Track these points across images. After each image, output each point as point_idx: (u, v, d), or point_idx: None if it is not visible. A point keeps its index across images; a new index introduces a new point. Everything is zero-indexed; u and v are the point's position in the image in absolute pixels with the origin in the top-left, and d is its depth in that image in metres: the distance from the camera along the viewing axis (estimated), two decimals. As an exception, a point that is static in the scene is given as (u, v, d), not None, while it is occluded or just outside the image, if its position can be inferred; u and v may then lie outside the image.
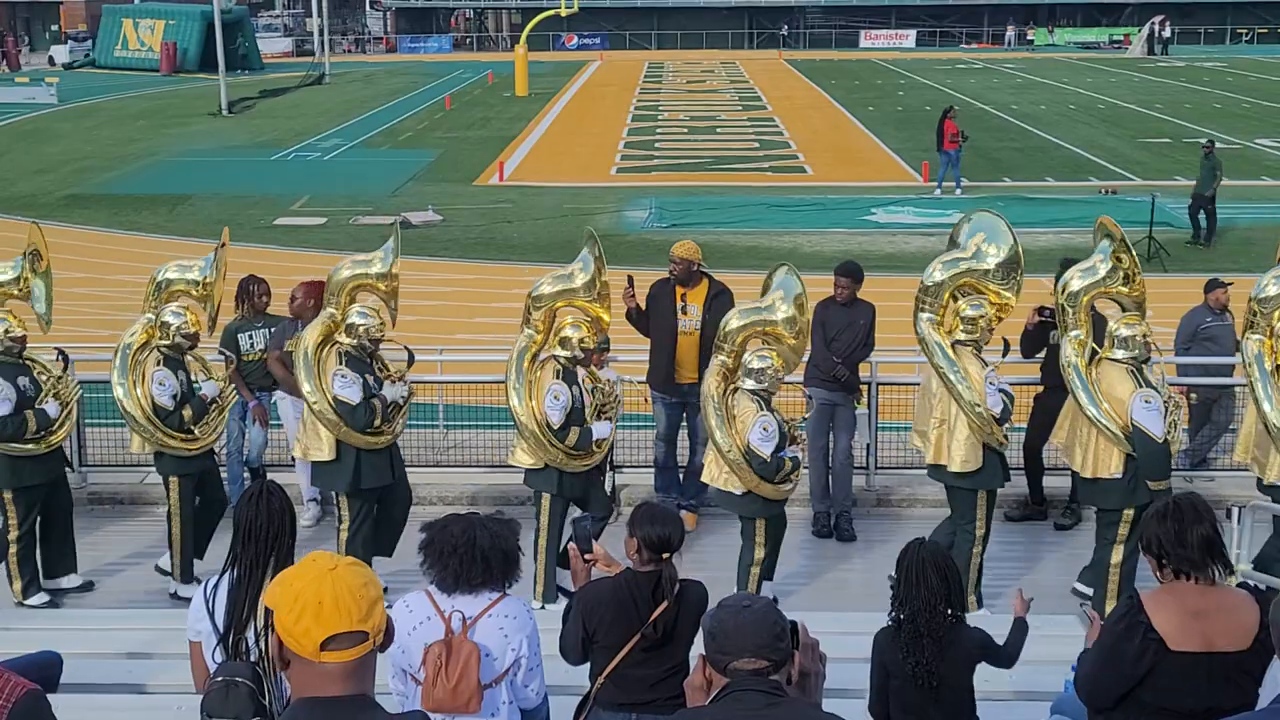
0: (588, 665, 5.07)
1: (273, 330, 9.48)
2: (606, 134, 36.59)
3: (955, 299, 7.81)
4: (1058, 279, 9.25)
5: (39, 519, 8.23)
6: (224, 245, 8.63)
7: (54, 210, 25.35)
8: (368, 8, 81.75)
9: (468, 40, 78.08)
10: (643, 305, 9.32)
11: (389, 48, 75.08)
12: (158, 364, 8.09)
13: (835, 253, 18.11)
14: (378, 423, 7.91)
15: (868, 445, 9.76)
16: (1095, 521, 7.88)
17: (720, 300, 9.22)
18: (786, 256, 20.46)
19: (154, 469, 8.60)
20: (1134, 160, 30.38)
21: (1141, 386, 7.45)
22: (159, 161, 32.30)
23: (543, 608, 7.79)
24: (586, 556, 5.04)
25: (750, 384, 7.59)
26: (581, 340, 7.92)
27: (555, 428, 7.79)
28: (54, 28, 70.89)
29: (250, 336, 9.61)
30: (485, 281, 18.76)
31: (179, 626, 4.81)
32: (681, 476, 9.64)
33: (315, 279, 9.82)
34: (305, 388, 7.89)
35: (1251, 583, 4.96)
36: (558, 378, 7.84)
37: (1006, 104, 42.65)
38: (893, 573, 4.99)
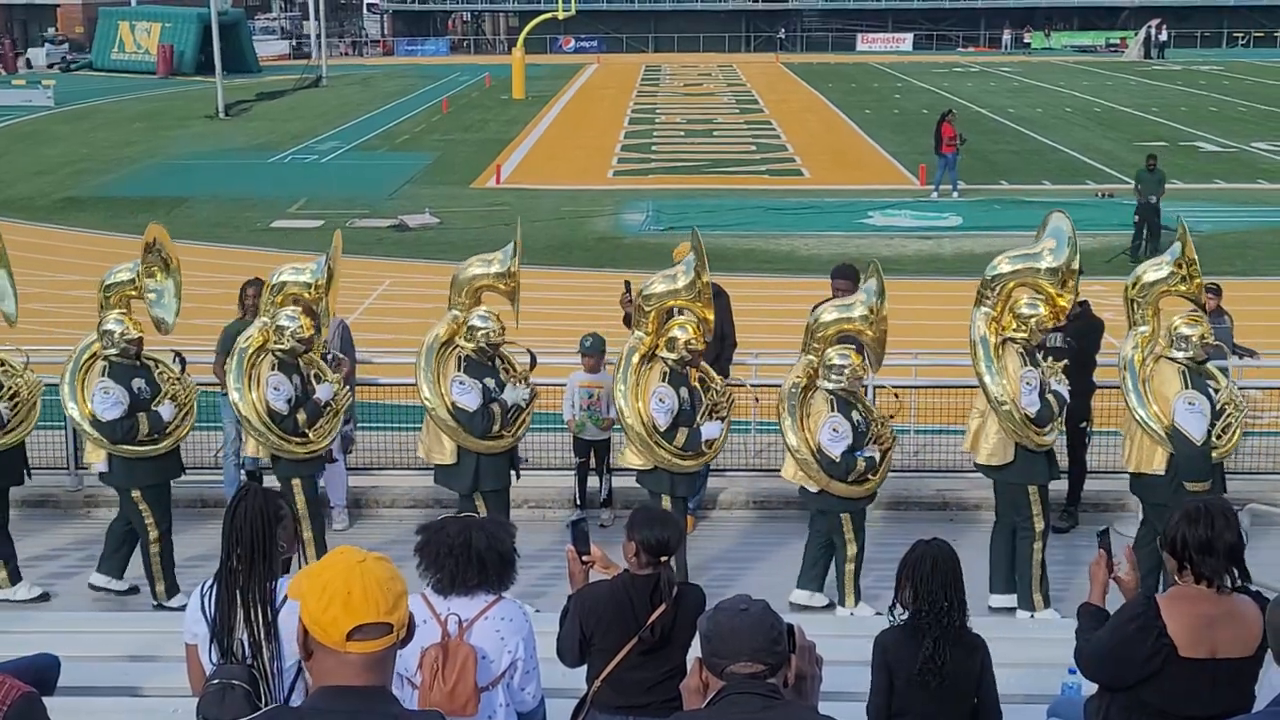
0: (584, 668, 5.06)
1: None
2: (603, 137, 36.61)
3: (1016, 294, 7.79)
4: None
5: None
6: (337, 248, 8.54)
7: (51, 212, 25.34)
8: (365, 10, 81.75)
9: (465, 43, 78.07)
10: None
11: (386, 50, 75.05)
12: (273, 368, 8.03)
13: (832, 255, 18.11)
14: (496, 428, 7.93)
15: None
16: (1142, 511, 7.96)
17: (717, 303, 9.20)
18: (784, 259, 20.49)
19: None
20: (1130, 163, 30.33)
21: (1187, 388, 7.46)
22: (156, 164, 32.29)
23: None
24: (584, 558, 5.04)
25: (829, 383, 7.61)
26: (688, 342, 7.85)
27: (661, 429, 7.76)
28: (51, 30, 70.85)
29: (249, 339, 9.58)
30: (482, 284, 18.73)
31: (176, 629, 4.80)
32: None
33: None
34: (424, 392, 7.90)
35: (1253, 587, 4.96)
36: (664, 380, 7.79)
37: (1003, 107, 42.68)
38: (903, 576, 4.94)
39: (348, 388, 8.69)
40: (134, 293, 8.19)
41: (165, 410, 7.98)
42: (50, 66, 61.64)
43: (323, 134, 37.78)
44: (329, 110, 44.09)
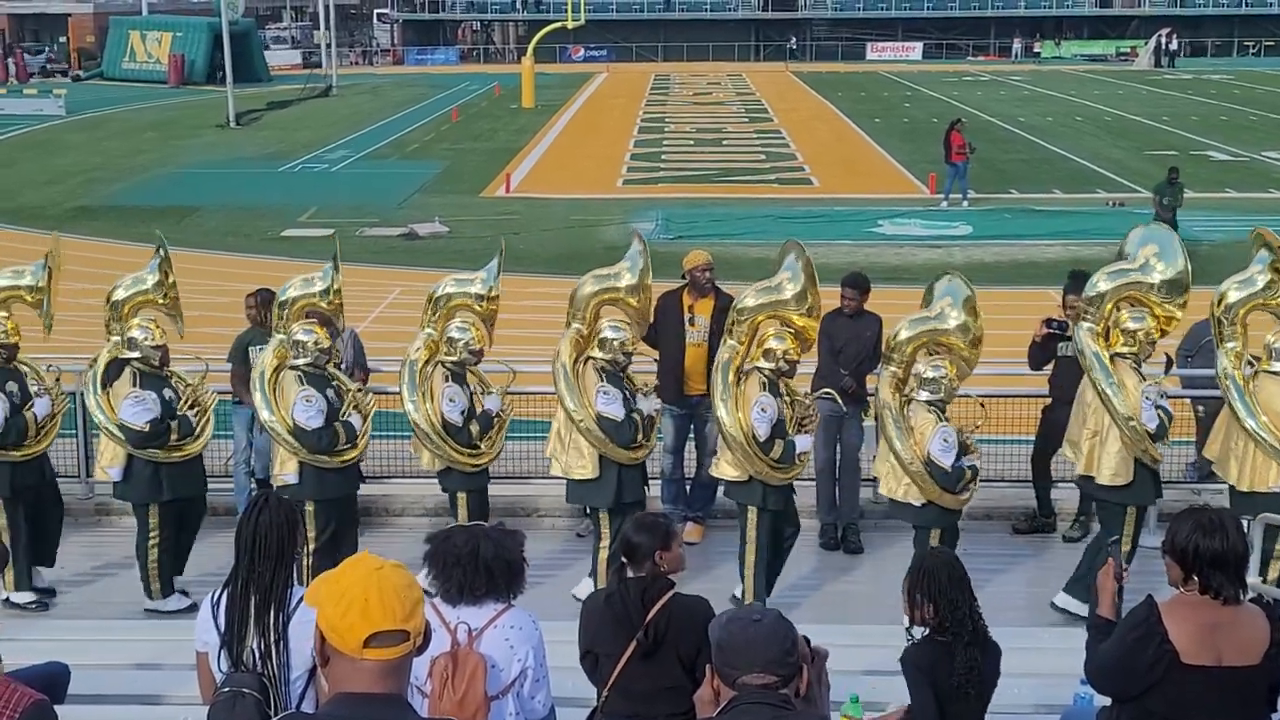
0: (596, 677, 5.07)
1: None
2: (613, 145, 36.64)
3: (1118, 310, 7.71)
4: (1066, 290, 9.25)
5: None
6: (502, 252, 8.55)
7: (63, 221, 25.38)
8: (375, 20, 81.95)
9: (474, 52, 78.23)
10: (650, 318, 9.30)
11: (396, 60, 75.22)
12: (446, 380, 8.04)
13: (842, 264, 18.06)
14: (640, 438, 7.93)
15: (874, 457, 9.72)
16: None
17: (728, 312, 9.20)
18: (793, 268, 20.45)
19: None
20: (1141, 172, 30.35)
21: None
22: (167, 173, 32.38)
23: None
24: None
25: (925, 395, 7.56)
26: (786, 352, 7.79)
27: (761, 440, 7.69)
28: (62, 39, 71.14)
29: (260, 350, 9.58)
30: (492, 293, 18.75)
31: (186, 637, 4.80)
32: (689, 488, 9.62)
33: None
34: (569, 405, 7.86)
35: (1266, 597, 4.96)
36: (764, 390, 7.73)
37: (1013, 116, 42.66)
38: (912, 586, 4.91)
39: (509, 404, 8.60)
40: (326, 305, 8.22)
41: (355, 420, 8.00)
42: (29, 76, 61.87)
43: (333, 143, 37.85)
44: (339, 119, 44.19)
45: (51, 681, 5.25)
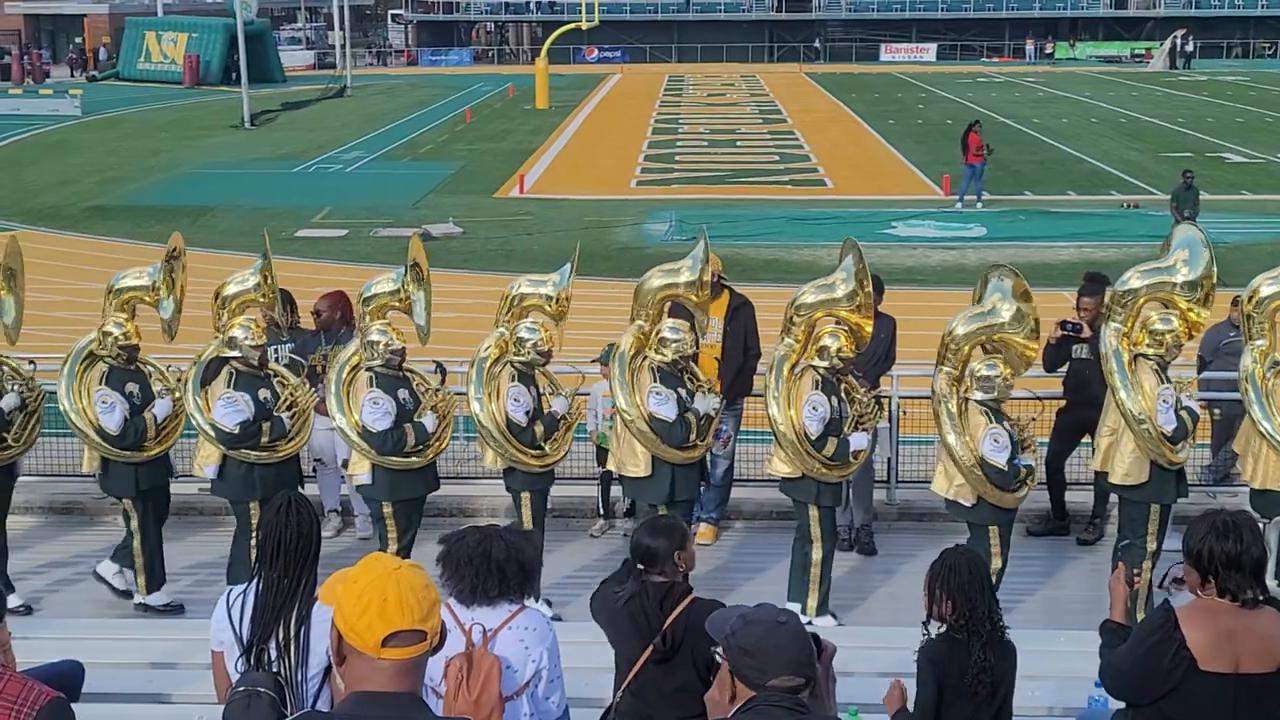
0: (609, 677, 5.06)
1: (294, 345, 9.42)
2: (626, 146, 36.66)
3: (1148, 310, 7.64)
4: (1080, 292, 9.23)
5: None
6: (576, 253, 8.54)
7: (78, 221, 25.53)
8: (389, 21, 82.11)
9: (488, 53, 78.33)
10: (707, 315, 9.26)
11: (410, 60, 75.36)
12: (512, 380, 8.00)
13: (856, 266, 18.06)
14: (693, 438, 7.90)
15: (889, 459, 9.72)
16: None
17: (741, 313, 9.20)
18: (806, 270, 20.47)
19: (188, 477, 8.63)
20: (1156, 174, 30.28)
21: None
22: (182, 174, 32.48)
23: (809, 622, 7.67)
24: None
25: (979, 394, 7.54)
26: (840, 350, 7.77)
27: (813, 438, 7.68)
28: (77, 40, 71.45)
29: (275, 350, 9.59)
30: (505, 293, 18.77)
31: (201, 637, 4.82)
32: (701, 490, 9.60)
33: (336, 290, 9.83)
34: (621, 403, 7.85)
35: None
36: (816, 388, 7.71)
37: (1028, 117, 42.58)
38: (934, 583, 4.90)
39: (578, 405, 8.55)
40: (397, 303, 8.13)
41: (429, 421, 7.91)
42: (45, 76, 62.11)
43: (347, 144, 37.95)
44: (353, 120, 44.29)
45: (66, 680, 5.27)
